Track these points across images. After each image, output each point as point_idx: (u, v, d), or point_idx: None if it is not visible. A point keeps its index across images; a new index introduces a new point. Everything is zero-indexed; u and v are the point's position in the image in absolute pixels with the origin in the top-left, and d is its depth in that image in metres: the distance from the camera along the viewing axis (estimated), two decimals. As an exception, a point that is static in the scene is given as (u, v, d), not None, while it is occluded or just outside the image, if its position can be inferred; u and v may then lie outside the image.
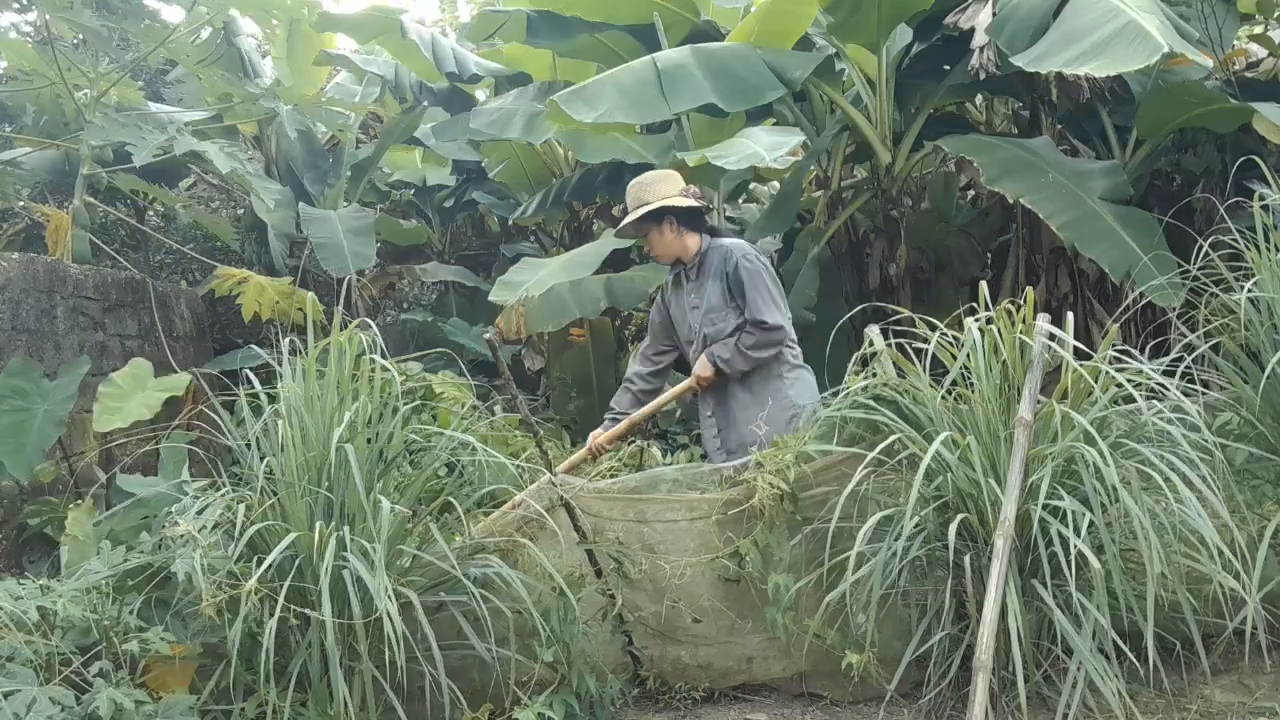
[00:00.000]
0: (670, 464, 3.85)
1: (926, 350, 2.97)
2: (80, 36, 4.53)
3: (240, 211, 7.18)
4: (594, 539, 3.07)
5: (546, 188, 6.66)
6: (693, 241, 3.92)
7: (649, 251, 4.06)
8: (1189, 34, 4.39)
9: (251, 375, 3.05)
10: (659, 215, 3.87)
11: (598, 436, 3.88)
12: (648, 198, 3.88)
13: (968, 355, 2.89)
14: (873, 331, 3.22)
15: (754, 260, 3.79)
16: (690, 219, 3.90)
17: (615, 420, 3.94)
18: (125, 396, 3.92)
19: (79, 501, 3.49)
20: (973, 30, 4.72)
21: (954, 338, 2.98)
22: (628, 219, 3.94)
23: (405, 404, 3.00)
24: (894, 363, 3.10)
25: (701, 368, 3.78)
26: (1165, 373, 2.84)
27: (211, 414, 3.14)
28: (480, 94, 7.32)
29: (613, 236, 4.30)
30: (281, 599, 2.47)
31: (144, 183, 5.28)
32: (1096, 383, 2.79)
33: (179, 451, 3.29)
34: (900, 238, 5.56)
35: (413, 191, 8.26)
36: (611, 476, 3.28)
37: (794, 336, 3.87)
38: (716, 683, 3.13)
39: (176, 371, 4.41)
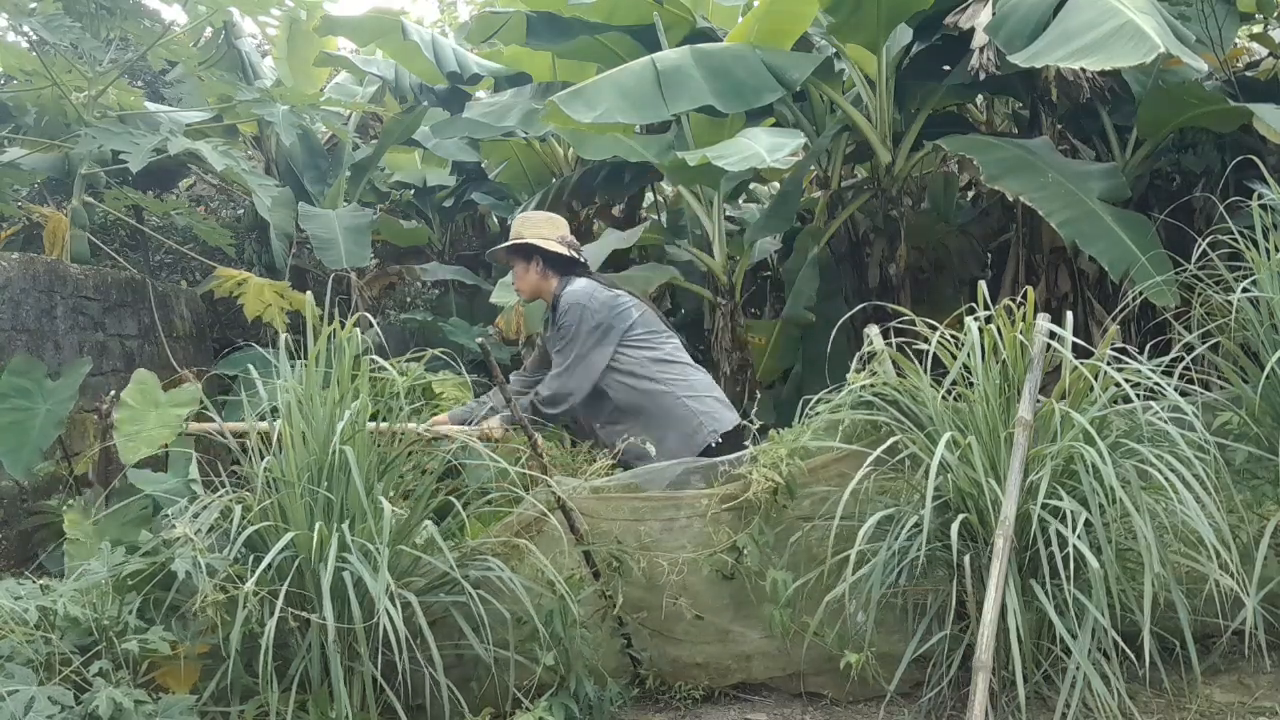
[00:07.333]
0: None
1: (927, 350, 2.97)
2: (70, 42, 4.51)
3: (240, 212, 7.17)
4: (590, 539, 3.06)
5: (546, 188, 6.66)
6: (552, 285, 4.01)
7: (513, 284, 4.19)
8: (1186, 36, 4.40)
9: (255, 373, 3.04)
10: (527, 252, 4.00)
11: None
12: (524, 232, 4.02)
13: (968, 355, 2.89)
14: (872, 331, 3.22)
15: (563, 316, 3.82)
16: (557, 265, 4.00)
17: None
18: (140, 418, 3.64)
19: (74, 501, 3.47)
20: (973, 30, 4.72)
21: (954, 337, 2.98)
22: (500, 245, 4.14)
23: (406, 403, 3.00)
24: (893, 362, 3.10)
25: (497, 426, 3.76)
26: (1164, 372, 2.84)
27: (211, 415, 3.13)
28: (481, 94, 7.32)
29: (485, 256, 4.51)
30: (281, 600, 2.46)
31: (138, 194, 5.27)
32: (1097, 380, 2.79)
33: (186, 448, 3.29)
34: (900, 238, 5.56)
35: (413, 192, 8.26)
36: (609, 474, 3.27)
37: (679, 357, 3.88)
38: (716, 681, 3.13)
39: (177, 371, 4.41)
